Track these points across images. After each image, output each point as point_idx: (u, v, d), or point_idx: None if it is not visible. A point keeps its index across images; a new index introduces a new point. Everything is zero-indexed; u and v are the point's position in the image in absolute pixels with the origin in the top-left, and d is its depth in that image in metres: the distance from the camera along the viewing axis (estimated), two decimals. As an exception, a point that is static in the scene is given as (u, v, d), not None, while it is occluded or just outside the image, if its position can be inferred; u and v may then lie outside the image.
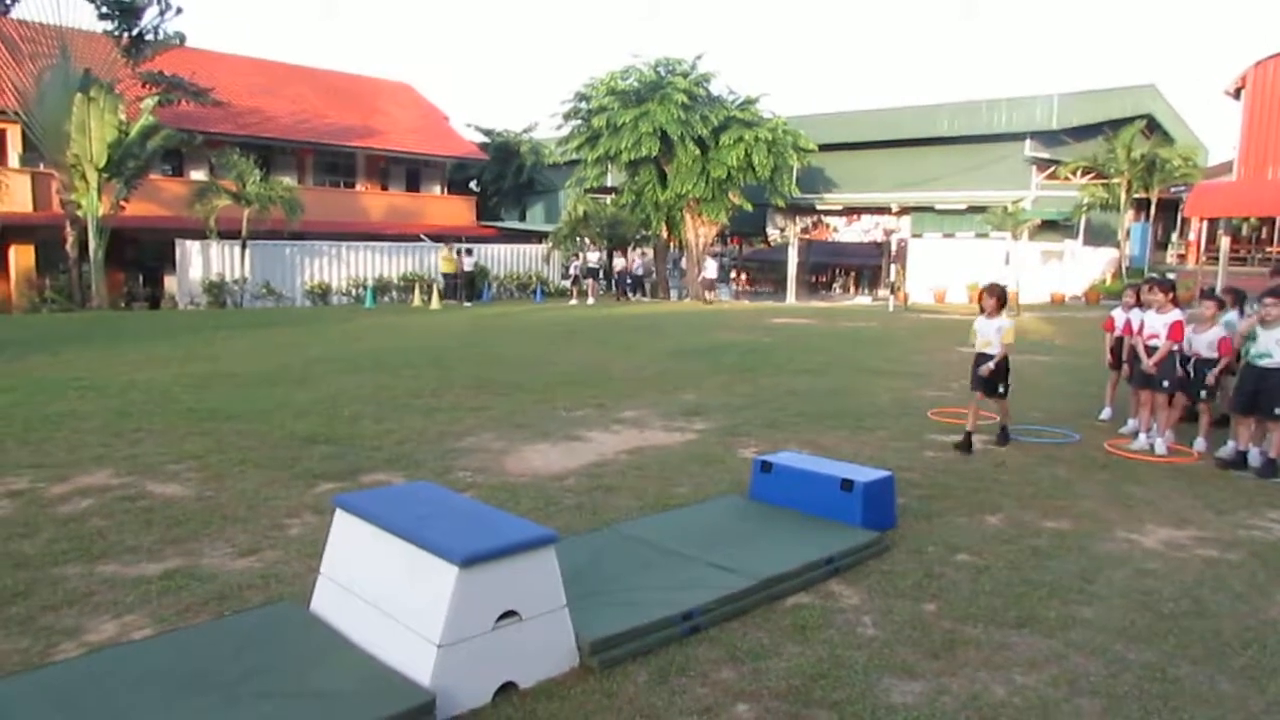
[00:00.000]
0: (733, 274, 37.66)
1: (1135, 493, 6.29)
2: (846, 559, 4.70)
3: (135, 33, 24.51)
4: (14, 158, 25.82)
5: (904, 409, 9.35)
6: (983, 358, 7.45)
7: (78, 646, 3.69)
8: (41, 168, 25.04)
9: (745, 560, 4.56)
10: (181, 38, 25.56)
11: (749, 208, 31.48)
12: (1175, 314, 7.53)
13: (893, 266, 30.08)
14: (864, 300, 32.18)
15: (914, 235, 32.25)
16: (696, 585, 4.24)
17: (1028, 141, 31.84)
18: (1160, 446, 7.47)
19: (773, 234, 38.94)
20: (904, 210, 35.29)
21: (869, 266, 36.35)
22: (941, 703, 3.35)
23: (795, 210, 36.98)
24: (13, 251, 25.15)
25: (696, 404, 9.58)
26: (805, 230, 38.62)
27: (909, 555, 4.90)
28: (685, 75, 29.47)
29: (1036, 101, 31.31)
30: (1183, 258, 34.06)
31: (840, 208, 37.45)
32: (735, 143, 28.79)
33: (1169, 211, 34.27)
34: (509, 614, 3.38)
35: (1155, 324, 7.56)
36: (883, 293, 31.57)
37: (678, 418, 8.80)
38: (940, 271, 29.56)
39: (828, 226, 38.73)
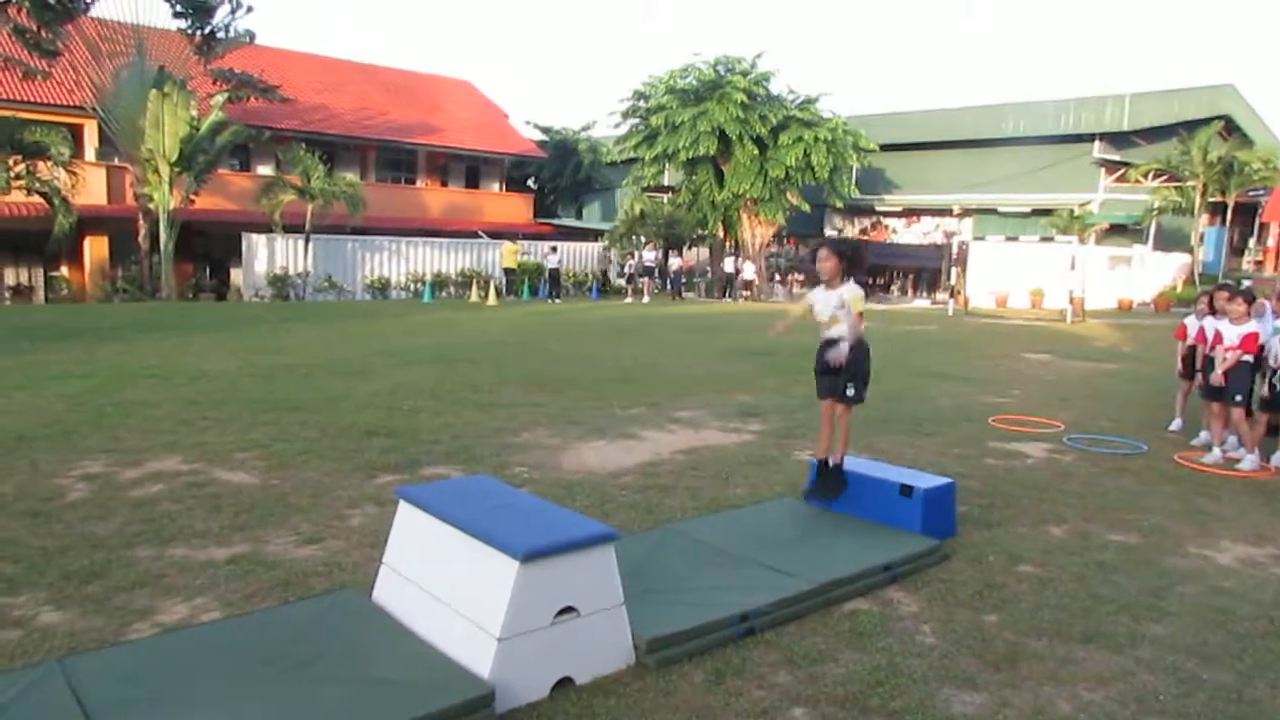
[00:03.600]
0: (776, 276, 37.37)
1: (1208, 507, 6.10)
2: (905, 566, 4.64)
3: (207, 31, 25.23)
4: (91, 152, 26.71)
5: (964, 414, 9.19)
6: (829, 345, 5.35)
7: (150, 627, 3.80)
8: (116, 162, 25.89)
9: (802, 564, 4.53)
10: (251, 36, 26.22)
11: (807, 208, 31.27)
12: (1252, 325, 7.27)
13: (953, 269, 29.62)
14: (922, 303, 31.72)
15: (976, 238, 31.70)
16: (752, 587, 4.22)
17: (1096, 143, 31.10)
18: (1249, 463, 7.09)
19: (830, 235, 38.58)
20: (965, 212, 34.74)
21: (928, 269, 35.83)
22: (1004, 716, 3.29)
23: (854, 211, 36.64)
24: (88, 242, 26.03)
25: (752, 405, 9.52)
26: (864, 231, 38.23)
27: (969, 564, 4.81)
28: (744, 74, 29.37)
29: (1107, 101, 30.56)
30: (1260, 264, 32.92)
31: (900, 209, 37.00)
32: (794, 142, 28.59)
33: (1246, 216, 33.15)
34: (567, 609, 3.40)
35: (1230, 335, 7.31)
36: (941, 296, 31.09)
37: (733, 418, 8.77)
38: (1002, 275, 29.00)
39: (886, 228, 38.27)
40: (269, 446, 6.96)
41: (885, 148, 32.09)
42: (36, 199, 22.80)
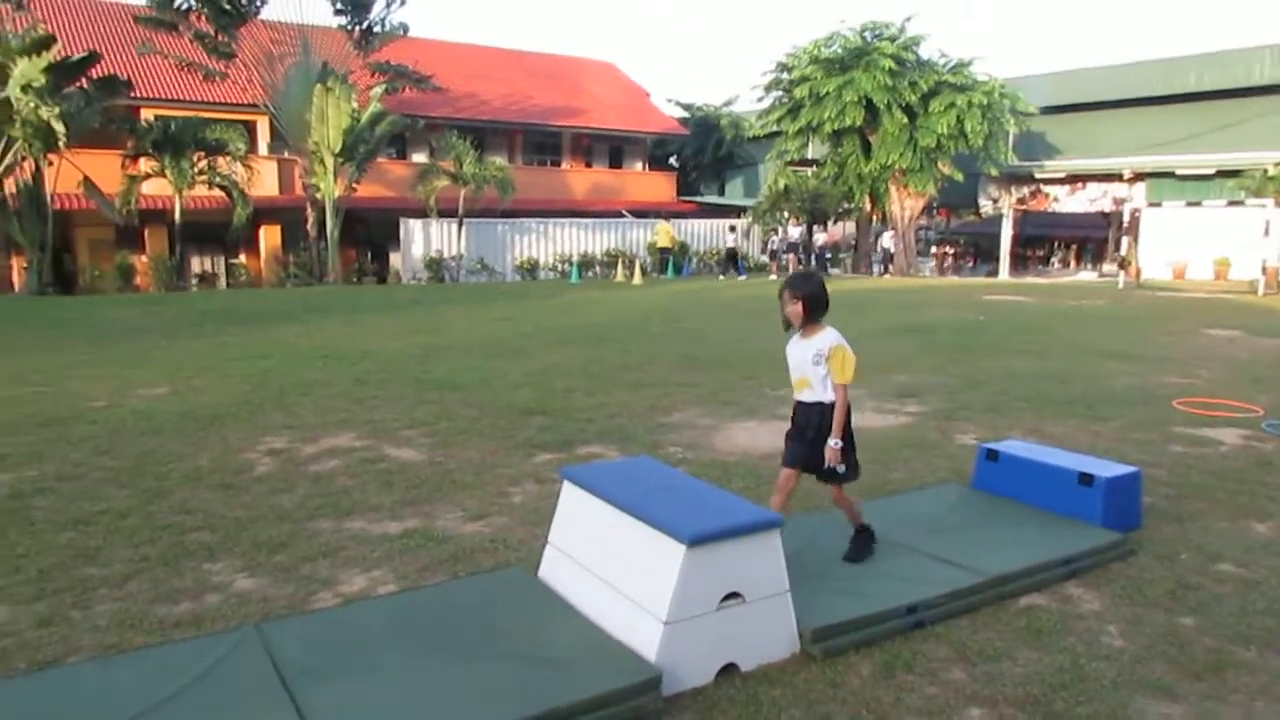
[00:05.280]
0: (933, 249, 35.94)
1: None
2: (1085, 560, 4.35)
3: (365, 26, 26.42)
4: (263, 146, 28.49)
5: (1144, 397, 8.57)
6: (803, 411, 4.18)
7: (333, 596, 4.02)
8: (286, 154, 27.52)
9: (972, 554, 4.33)
10: (405, 28, 27.28)
11: (959, 178, 29.87)
12: None
13: (1123, 239, 27.71)
14: (1087, 276, 29.89)
15: (1150, 204, 29.48)
16: (920, 578, 4.07)
17: (1294, 94, 28.24)
18: None
19: (984, 205, 36.73)
20: (1138, 176, 32.26)
21: (1093, 239, 33.66)
22: (1208, 728, 3.04)
23: (1011, 179, 34.69)
24: (263, 231, 27.85)
25: (908, 385, 9.21)
26: (1021, 200, 36.19)
27: (1158, 561, 4.47)
28: (893, 40, 28.29)
29: (1305, 49, 27.69)
30: None
31: (1063, 175, 34.73)
32: (946, 109, 27.35)
33: None
34: (733, 595, 3.36)
35: None
36: (1109, 268, 29.17)
37: (889, 399, 8.50)
38: (1180, 244, 26.91)
39: (1047, 196, 36.02)
40: (433, 425, 7.24)
41: (1047, 110, 30.22)
42: (217, 192, 24.57)
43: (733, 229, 29.16)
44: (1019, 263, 32.92)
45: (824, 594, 3.83)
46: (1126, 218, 28.43)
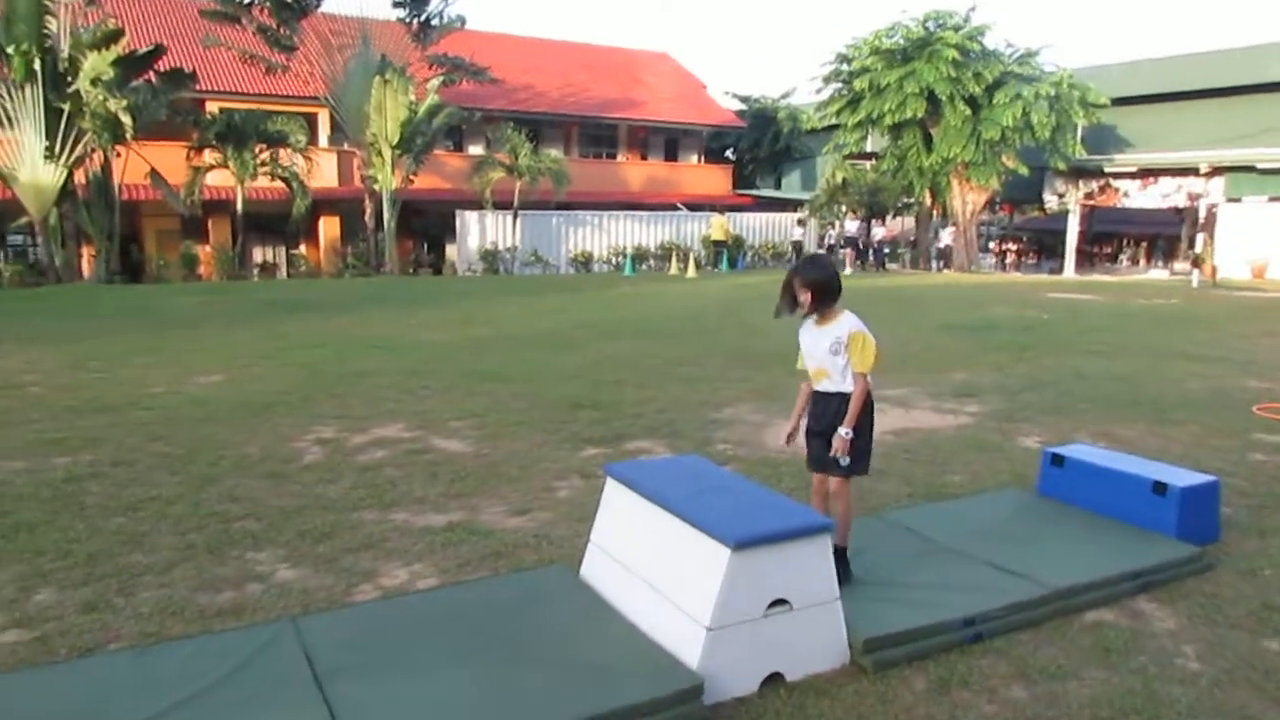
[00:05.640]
0: (992, 244, 35.06)
1: None
2: (1158, 575, 4.11)
3: (423, 18, 26.61)
4: (323, 138, 28.91)
5: (1221, 401, 8.17)
6: (821, 401, 3.96)
7: (373, 589, 3.97)
8: (345, 147, 27.87)
9: (1035, 564, 4.11)
10: (462, 20, 27.43)
11: (1024, 172, 29.06)
12: None
13: (1198, 236, 26.70)
14: (1158, 274, 28.90)
15: (1229, 199, 28.35)
16: (979, 588, 3.88)
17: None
18: None
19: (1050, 200, 35.73)
20: (1215, 170, 31.06)
21: (1165, 236, 32.51)
22: (1296, 761, 2.81)
23: (1078, 174, 33.66)
24: (322, 222, 28.27)
25: (968, 384, 8.93)
26: (1089, 195, 35.12)
27: (1239, 577, 4.20)
28: (956, 29, 27.59)
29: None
30: None
31: (1133, 170, 33.60)
32: (1011, 101, 26.61)
33: None
34: (780, 602, 3.22)
35: None
36: (1181, 266, 28.15)
37: (948, 398, 8.24)
38: (1261, 242, 25.79)
39: (1116, 191, 34.91)
40: (482, 416, 7.20)
41: (1118, 101, 29.22)
42: (279, 183, 24.99)
43: (800, 223, 28.79)
44: (1085, 260, 31.97)
45: (876, 602, 3.67)
46: (1202, 214, 27.38)
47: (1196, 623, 3.74)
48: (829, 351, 3.83)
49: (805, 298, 3.79)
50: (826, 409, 3.91)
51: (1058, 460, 5.20)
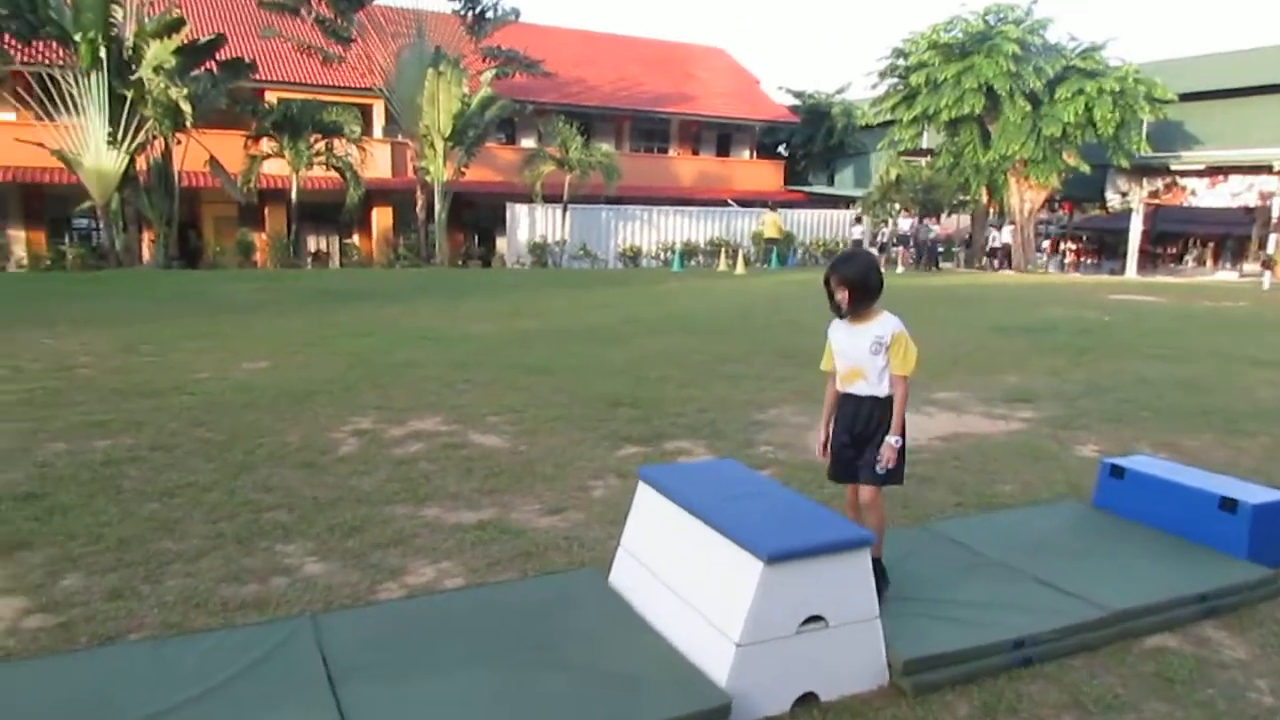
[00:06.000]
0: (1046, 243, 34.14)
1: None
2: (1227, 598, 3.85)
3: (478, 10, 26.68)
4: (378, 129, 29.19)
5: (1293, 411, 7.78)
6: (851, 404, 3.72)
7: (399, 587, 3.88)
8: (399, 138, 28.10)
9: (1090, 583, 3.88)
10: (517, 13, 27.45)
11: (1086, 169, 28.26)
12: None
13: (1270, 236, 25.71)
14: (1226, 276, 27.92)
15: (1305, 198, 27.21)
16: (1029, 607, 3.66)
17: None
18: None
19: (1112, 199, 34.72)
20: (1288, 170, 29.94)
21: (1234, 236, 31.40)
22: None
23: (1143, 171, 32.64)
24: (375, 213, 28.56)
25: (1021, 388, 8.62)
26: (1154, 194, 34.04)
27: (1316, 603, 3.93)
28: (1017, 23, 26.92)
29: None
30: None
31: (1201, 167, 32.47)
32: (1073, 96, 25.90)
33: None
34: (815, 619, 3.05)
35: None
36: (1251, 267, 27.15)
37: (999, 403, 7.96)
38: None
39: (1183, 189, 33.80)
40: (521, 411, 7.11)
41: (1186, 97, 28.25)
42: (333, 174, 25.27)
43: (858, 220, 28.36)
44: (1148, 260, 31.00)
45: (918, 620, 3.48)
46: (1276, 213, 26.33)
47: (1270, 653, 3.48)
48: (869, 352, 3.61)
49: (843, 295, 3.59)
50: (858, 413, 3.69)
51: (1117, 471, 4.93)
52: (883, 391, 3.63)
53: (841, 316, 3.69)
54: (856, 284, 3.58)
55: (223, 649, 3.06)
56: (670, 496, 3.49)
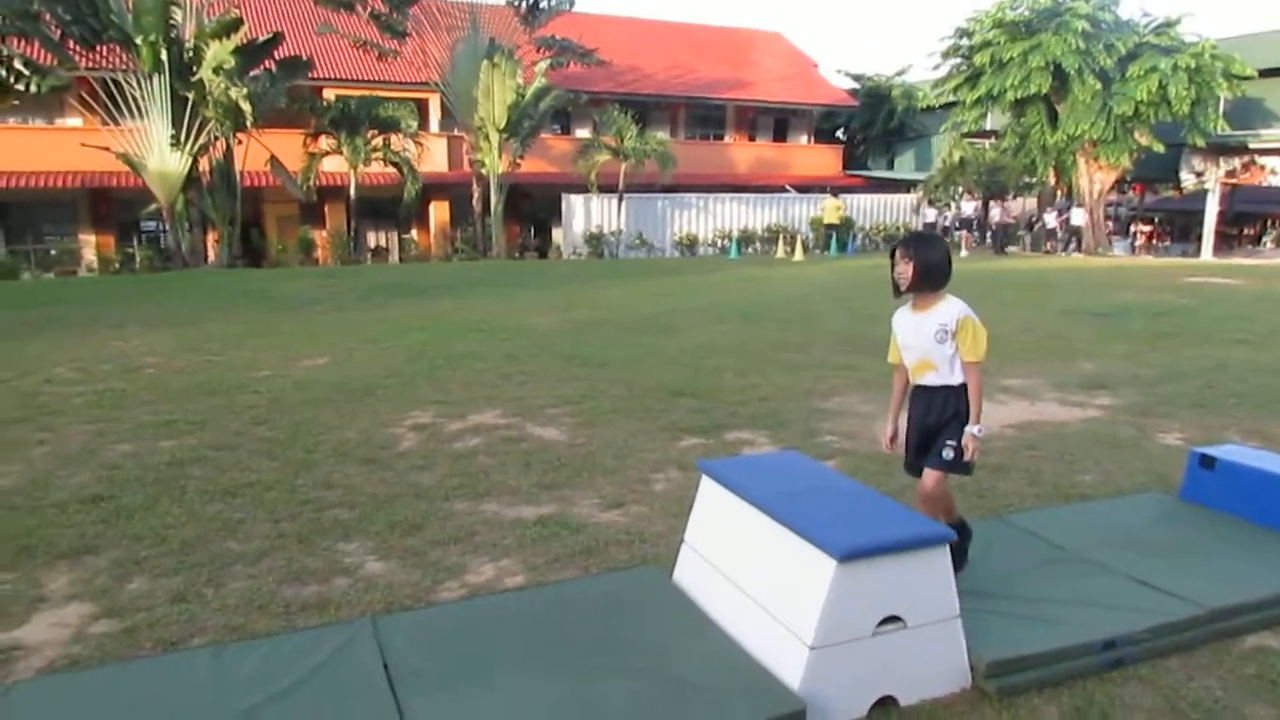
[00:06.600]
0: (1110, 224, 32.94)
1: None
2: (1333, 596, 3.60)
3: (532, 1, 26.64)
4: (434, 123, 29.41)
5: (1393, 396, 7.33)
6: (924, 396, 3.56)
7: (459, 586, 3.82)
8: (455, 131, 28.27)
9: (1183, 580, 3.66)
10: (571, 2, 27.33)
11: (1159, 148, 27.21)
12: None
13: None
14: (1310, 257, 26.64)
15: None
16: (1118, 605, 3.46)
17: None
18: None
19: (1186, 179, 33.44)
20: (1376, 145, 28.53)
21: (1317, 216, 29.96)
22: None
23: (1220, 150, 31.40)
24: (432, 207, 28.82)
25: (1097, 374, 8.28)
26: (1231, 173, 32.69)
27: None
28: (1088, -1, 26.01)
29: None
30: None
31: (1282, 145, 31.17)
32: (1147, 73, 24.90)
33: None
34: (892, 619, 2.90)
35: None
36: (1337, 248, 25.87)
37: (1075, 390, 7.65)
38: None
39: (1263, 168, 32.42)
40: (579, 403, 7.03)
41: (1266, 73, 27.01)
42: (390, 169, 25.53)
43: (930, 202, 27.71)
44: (1224, 242, 29.77)
45: (1001, 619, 3.31)
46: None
47: (1382, 657, 3.24)
48: (934, 340, 3.44)
49: (906, 271, 3.41)
50: (931, 405, 3.53)
51: (1207, 461, 4.66)
52: (955, 380, 3.47)
53: (899, 294, 3.52)
54: (924, 264, 3.42)
55: (282, 654, 3.02)
56: (735, 491, 3.36)
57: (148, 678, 2.94)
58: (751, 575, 3.16)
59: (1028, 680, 3.04)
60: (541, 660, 3.00)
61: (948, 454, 3.46)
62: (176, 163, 21.10)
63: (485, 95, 24.28)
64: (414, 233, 29.26)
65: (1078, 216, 27.97)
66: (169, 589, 3.75)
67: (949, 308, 3.45)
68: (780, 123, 36.69)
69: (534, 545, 4.24)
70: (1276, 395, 7.41)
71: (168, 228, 22.26)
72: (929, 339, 3.46)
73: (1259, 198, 31.45)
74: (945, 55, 28.98)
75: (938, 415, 3.51)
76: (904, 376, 3.67)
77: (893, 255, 3.49)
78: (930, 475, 3.53)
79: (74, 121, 24.62)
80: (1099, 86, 25.58)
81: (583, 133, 31.04)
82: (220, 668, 2.93)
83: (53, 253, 24.15)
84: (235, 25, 20.50)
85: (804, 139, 37.32)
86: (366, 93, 25.75)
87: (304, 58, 23.35)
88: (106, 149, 20.93)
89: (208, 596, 3.68)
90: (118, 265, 23.63)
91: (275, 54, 22.62)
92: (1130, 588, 3.63)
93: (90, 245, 25.65)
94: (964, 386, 3.46)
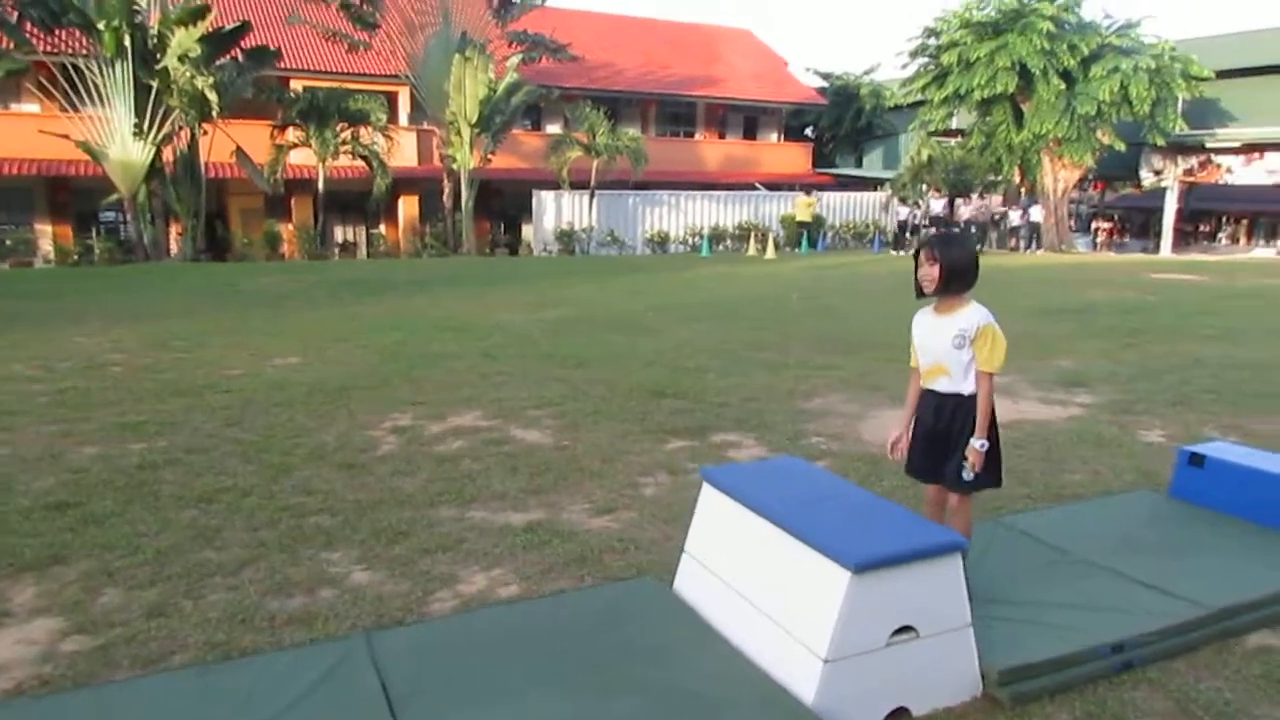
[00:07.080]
0: (1071, 221, 33.35)
1: None
2: (1331, 595, 3.60)
3: (505, -6, 26.35)
4: (404, 117, 28.98)
5: (1366, 394, 7.44)
6: (933, 401, 3.47)
7: (452, 596, 3.69)
8: (425, 126, 27.89)
9: (1184, 580, 3.65)
10: (543, -3, 27.07)
11: (1120, 147, 27.62)
12: None
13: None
14: (1264, 253, 27.32)
15: (1345, 175, 26.46)
16: (1124, 608, 3.44)
17: None
18: None
19: (1146, 177, 33.95)
20: (1329, 145, 29.13)
21: (1268, 214, 30.61)
22: None
23: (1178, 149, 31.90)
24: (401, 202, 28.42)
25: (1075, 372, 8.33)
26: (1189, 172, 33.25)
27: None
28: (1052, 0, 26.28)
29: None
30: None
31: (1238, 145, 31.69)
32: (1109, 74, 25.27)
33: None
34: (905, 629, 2.84)
35: None
36: (1290, 245, 26.41)
37: (1054, 388, 7.68)
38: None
39: (1219, 167, 32.99)
40: (560, 405, 6.91)
41: (1223, 74, 27.50)
42: (359, 163, 25.11)
43: (903, 200, 27.79)
44: (1181, 238, 30.29)
45: (1009, 625, 3.27)
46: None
47: (1387, 658, 3.23)
48: (952, 345, 3.33)
49: (932, 273, 3.28)
50: (940, 411, 3.43)
51: (1196, 460, 4.68)
52: (967, 389, 3.37)
53: (920, 295, 3.41)
54: (951, 266, 3.28)
55: (272, 674, 2.87)
56: (740, 499, 3.27)
57: (128, 701, 2.76)
58: (759, 586, 3.08)
59: (1039, 687, 3.00)
60: (545, 676, 2.90)
61: (967, 475, 3.36)
62: (139, 152, 20.57)
63: (457, 89, 23.97)
64: (383, 228, 28.84)
65: (1037, 214, 28.31)
66: (145, 602, 3.57)
67: (972, 314, 3.34)
68: (750, 120, 36.71)
69: (525, 553, 4.13)
70: (1251, 391, 7.49)
71: (129, 219, 21.69)
72: (946, 343, 3.35)
73: (1215, 195, 32.06)
74: (913, 54, 29.17)
75: (946, 423, 3.42)
76: (918, 381, 3.58)
77: (917, 256, 3.36)
78: (955, 496, 3.48)
79: (31, 108, 23.92)
80: (1063, 86, 25.89)
81: (554, 129, 30.81)
82: (207, 690, 2.78)
83: (7, 243, 23.32)
84: (202, 12, 19.96)
85: (774, 137, 37.38)
86: (335, 85, 25.26)
87: (272, 48, 22.88)
88: (66, 137, 20.32)
89: (187, 610, 3.52)
90: (76, 257, 22.98)
91: (243, 43, 22.10)
92: (1132, 589, 3.61)
93: (47, 236, 24.87)
94: (974, 397, 3.37)
